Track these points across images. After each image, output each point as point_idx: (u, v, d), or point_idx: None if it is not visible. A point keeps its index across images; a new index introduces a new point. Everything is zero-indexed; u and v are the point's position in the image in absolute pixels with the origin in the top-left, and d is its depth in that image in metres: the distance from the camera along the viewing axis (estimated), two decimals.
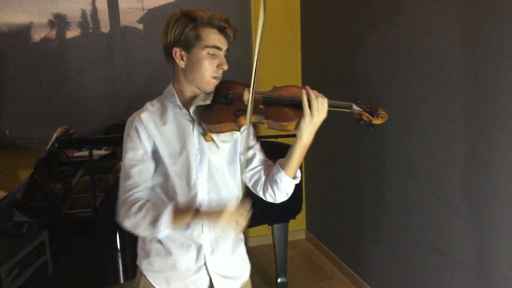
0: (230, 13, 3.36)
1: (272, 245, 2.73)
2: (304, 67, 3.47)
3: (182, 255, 1.39)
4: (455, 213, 1.99)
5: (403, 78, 2.27)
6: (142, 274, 1.44)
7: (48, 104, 3.11)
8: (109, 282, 2.00)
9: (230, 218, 1.23)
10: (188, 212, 1.29)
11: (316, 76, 3.31)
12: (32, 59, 3.07)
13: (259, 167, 1.42)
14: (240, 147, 1.41)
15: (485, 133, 1.80)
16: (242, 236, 1.53)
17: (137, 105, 1.42)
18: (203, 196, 1.35)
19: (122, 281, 1.99)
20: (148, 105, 1.38)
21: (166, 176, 1.34)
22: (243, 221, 1.24)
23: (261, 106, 1.27)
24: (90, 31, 3.23)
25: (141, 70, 3.30)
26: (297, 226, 3.65)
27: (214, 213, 1.28)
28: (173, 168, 1.33)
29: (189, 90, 1.34)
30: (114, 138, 2.50)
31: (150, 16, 3.34)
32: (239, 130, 1.29)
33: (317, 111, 1.22)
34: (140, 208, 1.28)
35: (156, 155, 1.34)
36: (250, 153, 1.42)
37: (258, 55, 1.15)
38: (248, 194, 1.34)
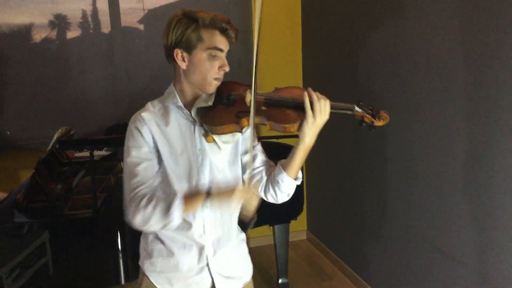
0: (230, 12, 3.36)
1: (273, 246, 2.73)
2: (305, 68, 3.47)
3: (184, 255, 1.38)
4: (457, 213, 1.99)
5: (404, 79, 2.27)
6: (144, 275, 1.44)
7: (48, 105, 3.11)
8: (110, 283, 2.00)
9: (242, 196, 1.23)
10: (199, 195, 1.28)
11: (317, 77, 3.31)
12: (33, 59, 3.07)
13: (261, 168, 1.42)
14: (241, 148, 1.41)
15: (487, 134, 1.80)
16: (244, 236, 1.53)
17: (137, 105, 1.42)
18: None
19: (123, 282, 1.99)
20: (149, 105, 1.37)
21: (167, 177, 1.33)
22: (255, 200, 1.24)
23: (263, 108, 1.27)
24: (91, 31, 3.23)
25: (141, 71, 3.30)
26: (298, 227, 3.65)
27: (225, 193, 1.27)
28: (174, 169, 1.33)
29: (190, 91, 1.34)
30: (115, 138, 2.51)
31: (151, 16, 3.34)
32: (241, 132, 1.29)
33: (319, 113, 1.22)
34: (149, 201, 1.25)
35: (157, 155, 1.33)
36: (251, 156, 1.42)
37: (256, 56, 1.15)
38: None
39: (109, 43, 3.21)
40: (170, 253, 1.39)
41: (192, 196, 1.28)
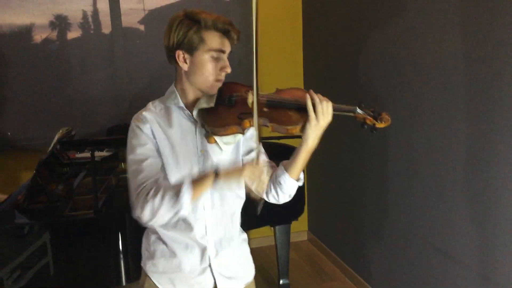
0: (231, 12, 3.35)
1: (274, 247, 2.72)
2: (306, 69, 3.47)
3: (186, 256, 1.38)
4: (458, 214, 1.99)
5: (405, 80, 2.26)
6: (146, 276, 1.44)
7: (49, 105, 3.11)
8: (111, 284, 2.00)
9: (252, 171, 1.22)
10: (207, 176, 1.24)
11: (318, 78, 3.31)
12: (34, 60, 3.07)
13: None
14: (242, 149, 1.41)
15: (488, 135, 1.79)
16: (245, 236, 1.53)
17: (138, 105, 1.42)
18: (207, 197, 1.35)
19: (124, 283, 1.99)
20: (150, 105, 1.37)
21: (167, 177, 1.33)
22: (265, 177, 1.24)
23: (265, 109, 1.27)
24: (91, 32, 3.23)
25: (142, 71, 3.29)
26: (299, 228, 3.65)
27: (234, 170, 1.24)
28: (175, 170, 1.32)
29: (191, 92, 1.33)
30: (115, 139, 2.51)
31: (152, 17, 3.34)
32: (243, 133, 1.29)
33: (322, 115, 1.21)
34: (156, 191, 1.23)
35: (158, 155, 1.33)
36: (253, 154, 1.42)
37: (256, 57, 1.15)
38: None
39: (109, 44, 3.21)
40: (173, 254, 1.38)
41: (200, 179, 1.24)
